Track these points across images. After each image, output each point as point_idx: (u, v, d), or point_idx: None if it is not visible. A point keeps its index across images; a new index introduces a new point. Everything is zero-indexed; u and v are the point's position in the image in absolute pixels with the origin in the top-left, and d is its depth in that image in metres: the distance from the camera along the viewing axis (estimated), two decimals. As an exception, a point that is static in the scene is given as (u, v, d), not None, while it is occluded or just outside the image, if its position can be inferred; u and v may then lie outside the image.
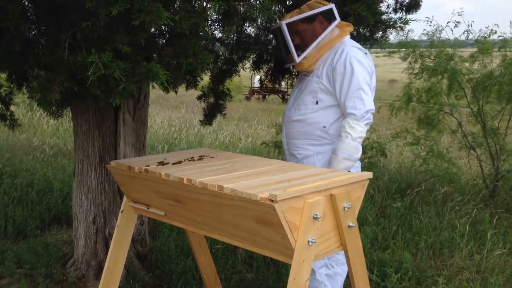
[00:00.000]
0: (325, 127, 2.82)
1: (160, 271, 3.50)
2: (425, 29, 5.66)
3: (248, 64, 3.82)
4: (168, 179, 2.20)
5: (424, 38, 5.74)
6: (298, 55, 2.88)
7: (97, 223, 3.45)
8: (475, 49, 5.66)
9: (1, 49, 2.20)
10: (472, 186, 5.58)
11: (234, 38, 3.47)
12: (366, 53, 2.88)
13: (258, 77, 23.44)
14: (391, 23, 3.28)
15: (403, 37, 5.49)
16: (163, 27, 2.33)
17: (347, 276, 3.03)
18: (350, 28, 2.94)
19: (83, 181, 3.41)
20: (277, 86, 4.23)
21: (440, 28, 5.55)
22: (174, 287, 3.32)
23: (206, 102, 3.97)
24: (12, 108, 3.90)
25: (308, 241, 1.90)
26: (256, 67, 3.71)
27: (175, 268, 3.46)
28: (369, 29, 3.21)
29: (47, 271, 3.43)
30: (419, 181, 5.42)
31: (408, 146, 5.96)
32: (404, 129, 5.52)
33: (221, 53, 3.65)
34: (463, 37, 5.42)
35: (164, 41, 2.44)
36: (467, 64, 5.42)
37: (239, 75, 3.97)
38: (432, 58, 5.48)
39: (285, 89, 22.10)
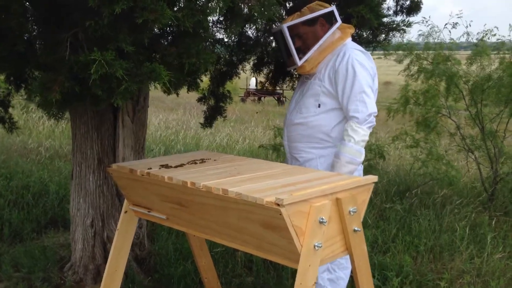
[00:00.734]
0: (327, 130, 2.81)
1: (159, 275, 3.46)
2: (420, 30, 5.67)
3: (248, 66, 3.80)
4: (171, 182, 2.17)
5: (421, 39, 5.73)
6: (300, 58, 2.87)
7: (95, 227, 3.40)
8: (468, 52, 5.67)
9: (2, 49, 2.16)
10: (471, 189, 5.58)
11: (235, 39, 3.45)
12: (368, 56, 2.87)
13: (253, 79, 23.50)
14: (394, 25, 3.27)
15: (400, 39, 5.48)
16: (166, 27, 2.30)
17: (349, 281, 3.02)
18: (352, 30, 2.93)
19: (81, 184, 3.37)
20: (278, 88, 4.22)
21: (437, 30, 5.55)
22: (173, 291, 3.29)
23: (206, 104, 3.94)
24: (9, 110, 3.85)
25: (314, 246, 1.87)
26: (256, 69, 3.69)
27: (174, 271, 3.43)
28: (372, 32, 3.20)
29: (44, 275, 3.39)
30: (418, 184, 5.41)
31: (406, 149, 5.95)
32: (404, 132, 5.51)
33: (222, 55, 3.62)
34: (462, 39, 5.42)
35: (166, 42, 2.42)
36: (464, 67, 5.42)
37: (239, 77, 3.95)
38: (429, 61, 5.48)
39: (281, 91, 22.12)
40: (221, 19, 3.22)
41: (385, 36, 3.29)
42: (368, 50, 2.96)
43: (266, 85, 3.80)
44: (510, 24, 5.10)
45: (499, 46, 5.39)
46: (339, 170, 2.67)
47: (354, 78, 2.71)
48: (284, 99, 23.03)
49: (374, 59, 2.94)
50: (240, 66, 3.82)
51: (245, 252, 2.28)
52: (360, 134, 2.69)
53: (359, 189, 2.09)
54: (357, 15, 2.87)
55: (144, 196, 2.43)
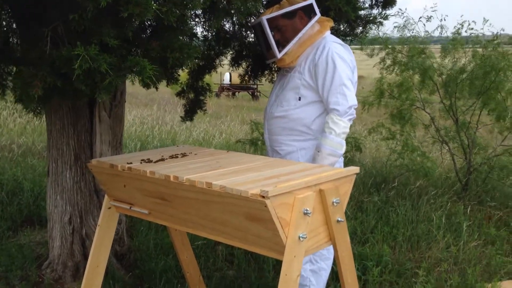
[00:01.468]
0: (308, 122, 2.82)
1: (140, 270, 3.43)
2: (396, 22, 5.73)
3: (226, 60, 3.79)
4: (153, 176, 2.15)
5: (396, 31, 5.78)
6: (279, 51, 2.87)
7: (73, 223, 3.35)
8: (438, 47, 5.76)
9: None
10: (445, 179, 5.69)
11: (213, 33, 3.43)
12: (347, 48, 2.89)
13: (227, 74, 23.43)
14: (371, 18, 3.29)
15: (376, 31, 5.53)
16: (148, 21, 2.28)
17: (331, 271, 3.05)
18: (330, 23, 2.94)
19: (57, 181, 3.32)
20: (252, 83, 4.22)
21: (413, 22, 5.61)
22: (155, 286, 3.27)
23: (185, 98, 3.92)
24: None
25: (299, 237, 1.89)
26: (235, 63, 3.67)
27: (155, 267, 3.41)
28: (349, 24, 3.22)
29: (22, 273, 3.33)
30: (394, 175, 5.48)
31: (383, 141, 6.02)
32: (380, 124, 5.57)
33: (200, 49, 3.60)
34: (436, 33, 5.50)
35: (148, 35, 2.38)
36: (438, 60, 5.50)
37: (216, 72, 3.93)
38: (404, 53, 5.54)
39: (255, 86, 22.11)
40: (198, 12, 3.21)
41: (362, 28, 3.32)
42: (345, 43, 2.99)
43: (246, 78, 3.79)
44: (484, 18, 5.21)
45: (472, 39, 5.49)
46: (320, 162, 2.69)
47: (334, 71, 2.72)
48: (258, 94, 23.04)
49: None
50: (218, 60, 3.81)
51: (229, 245, 2.27)
52: (341, 126, 2.71)
53: (342, 180, 2.11)
54: (335, 7, 2.88)
55: (125, 191, 2.40)
